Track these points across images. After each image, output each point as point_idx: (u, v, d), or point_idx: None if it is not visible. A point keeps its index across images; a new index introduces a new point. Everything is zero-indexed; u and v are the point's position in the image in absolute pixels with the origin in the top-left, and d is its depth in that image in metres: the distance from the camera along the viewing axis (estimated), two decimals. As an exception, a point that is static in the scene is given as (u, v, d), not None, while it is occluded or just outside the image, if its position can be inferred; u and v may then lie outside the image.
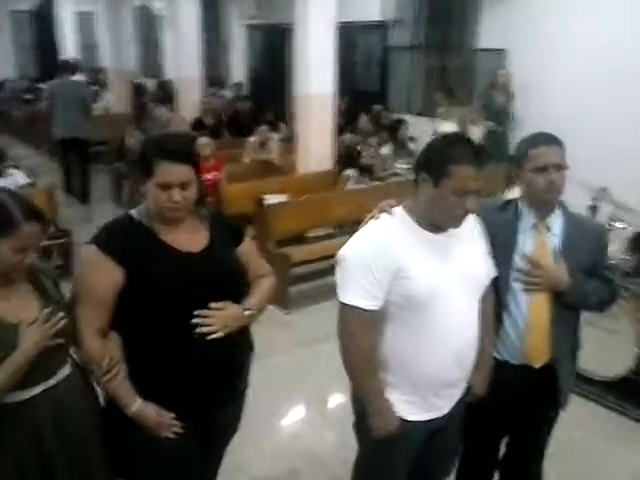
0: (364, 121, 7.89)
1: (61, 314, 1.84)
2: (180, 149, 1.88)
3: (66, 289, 2.00)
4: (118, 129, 8.54)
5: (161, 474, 2.00)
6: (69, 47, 14.20)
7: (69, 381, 1.93)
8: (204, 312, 1.87)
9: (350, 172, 6.26)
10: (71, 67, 8.00)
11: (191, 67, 9.59)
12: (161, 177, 1.81)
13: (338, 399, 3.68)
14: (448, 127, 6.50)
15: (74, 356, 2.01)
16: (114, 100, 11.18)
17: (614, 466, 3.21)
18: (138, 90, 11.93)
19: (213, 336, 1.88)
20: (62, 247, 5.44)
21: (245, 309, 1.99)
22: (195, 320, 1.86)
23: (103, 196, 8.12)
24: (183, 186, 1.83)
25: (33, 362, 1.77)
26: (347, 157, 6.52)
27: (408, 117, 7.99)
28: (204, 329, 1.87)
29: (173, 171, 1.81)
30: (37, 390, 1.84)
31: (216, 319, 1.88)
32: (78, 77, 10.00)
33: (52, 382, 1.88)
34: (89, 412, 2.01)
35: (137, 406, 1.87)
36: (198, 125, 8.67)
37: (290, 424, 3.66)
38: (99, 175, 8.67)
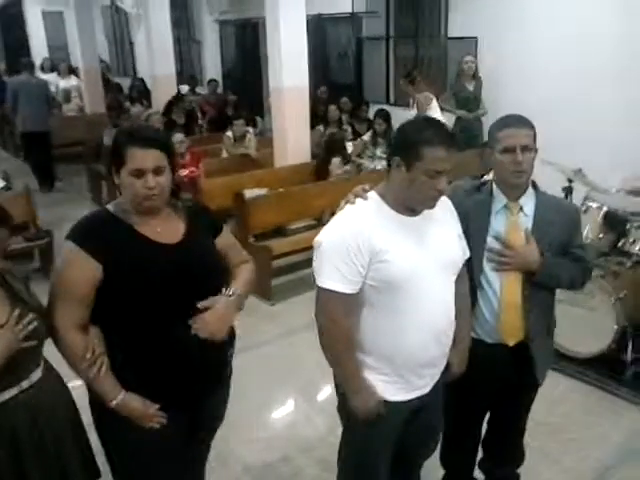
0: (333, 111, 7.91)
1: (31, 315, 1.83)
2: (150, 135, 1.89)
3: (45, 289, 2.00)
4: (94, 129, 8.49)
5: (148, 466, 2.01)
6: (39, 47, 14.04)
7: (43, 383, 1.92)
8: (198, 321, 1.91)
9: (337, 160, 6.29)
10: (30, 65, 8.75)
11: (164, 65, 9.52)
12: (133, 163, 1.81)
13: (325, 386, 3.73)
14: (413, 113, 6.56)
15: (46, 359, 2.00)
16: (88, 100, 11.08)
17: (595, 440, 3.28)
18: (113, 89, 11.82)
19: (217, 339, 1.94)
20: (43, 249, 5.42)
21: (230, 295, 2.02)
22: (193, 330, 1.90)
23: (82, 196, 8.08)
24: (156, 171, 1.83)
25: (4, 365, 1.75)
26: (331, 146, 6.51)
27: (385, 107, 8.02)
28: (204, 335, 1.91)
29: (145, 156, 1.82)
30: (10, 394, 1.83)
31: (211, 324, 1.93)
32: (48, 76, 9.99)
33: (25, 385, 1.87)
34: (64, 413, 2.01)
35: (121, 398, 1.88)
36: (170, 124, 8.66)
37: (279, 412, 3.71)
38: (77, 175, 8.63)
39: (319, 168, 6.36)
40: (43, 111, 8.34)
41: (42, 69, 11.97)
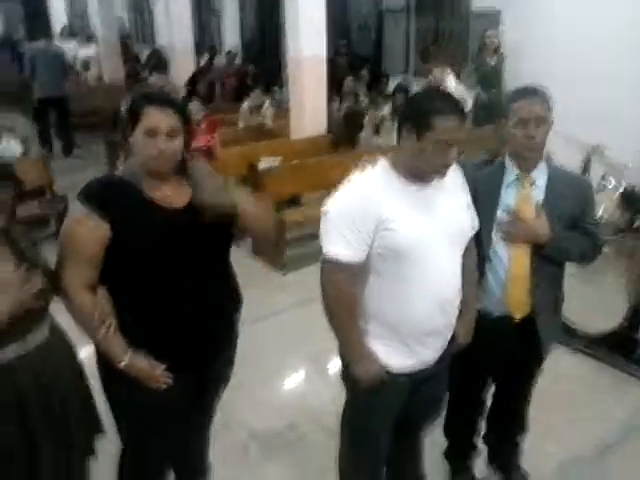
0: (349, 82, 7.81)
1: (39, 274, 1.86)
2: (167, 97, 1.90)
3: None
4: (112, 98, 8.50)
5: (154, 427, 2.05)
6: (59, 14, 14.02)
7: (49, 343, 1.96)
8: None
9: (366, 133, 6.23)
10: (47, 32, 9.36)
11: (183, 34, 9.50)
12: (147, 122, 1.82)
13: (335, 357, 3.73)
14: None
15: (53, 320, 2.04)
16: (107, 68, 11.08)
17: (599, 416, 3.29)
18: (131, 58, 11.81)
19: None
20: (59, 214, 5.47)
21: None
22: None
23: (99, 164, 8.12)
24: (170, 134, 1.84)
25: (10, 323, 1.79)
26: (350, 119, 6.44)
27: (404, 78, 7.94)
28: None
29: (160, 116, 1.82)
30: (15, 352, 1.86)
31: None
32: (68, 43, 10.06)
33: (31, 343, 1.90)
34: (70, 374, 2.05)
35: (129, 358, 1.91)
36: (191, 94, 8.64)
37: (289, 381, 3.75)
38: (95, 144, 8.67)
39: (339, 141, 6.28)
40: (59, 77, 8.57)
41: (61, 36, 11.96)
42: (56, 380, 1.98)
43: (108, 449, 2.26)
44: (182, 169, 2.00)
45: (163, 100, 1.86)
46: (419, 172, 1.94)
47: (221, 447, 2.75)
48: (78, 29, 13.11)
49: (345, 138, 6.24)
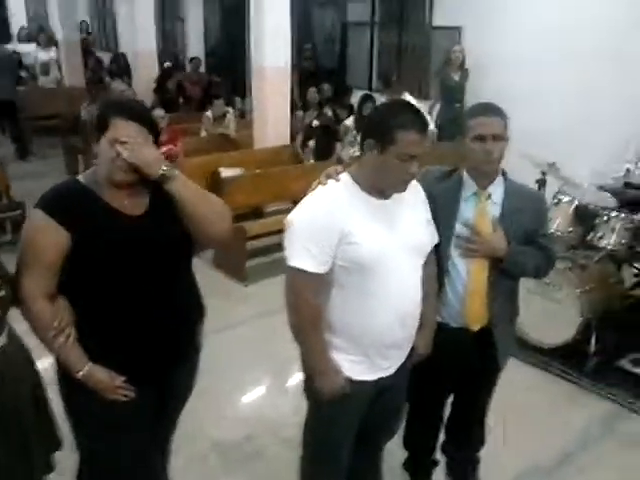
0: (312, 94, 7.86)
1: None
2: (137, 109, 1.90)
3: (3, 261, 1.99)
4: (72, 103, 8.38)
5: (113, 439, 2.01)
6: (18, 15, 13.74)
7: (6, 351, 1.91)
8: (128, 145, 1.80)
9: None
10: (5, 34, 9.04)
11: (147, 40, 9.41)
12: (114, 132, 1.81)
13: (296, 369, 3.73)
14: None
15: (11, 328, 1.99)
16: (67, 73, 10.90)
17: (558, 427, 3.37)
18: (93, 62, 11.64)
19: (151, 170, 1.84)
20: (15, 220, 5.35)
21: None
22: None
23: (58, 169, 7.98)
24: None
25: None
26: (327, 130, 6.43)
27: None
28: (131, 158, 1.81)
29: (126, 127, 1.82)
30: None
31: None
32: (26, 46, 9.90)
33: None
34: (27, 383, 2.00)
35: (87, 369, 1.88)
36: (159, 88, 8.65)
37: (249, 393, 3.73)
38: (53, 148, 8.52)
39: (317, 153, 6.27)
40: (9, 80, 8.52)
41: (18, 39, 11.70)
42: (12, 390, 1.93)
43: (67, 465, 2.21)
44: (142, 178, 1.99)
45: (132, 111, 1.86)
46: (381, 185, 1.97)
47: (181, 458, 2.72)
48: (37, 32, 12.84)
49: (324, 149, 6.24)
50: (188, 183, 1.95)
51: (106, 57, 12.50)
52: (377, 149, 1.89)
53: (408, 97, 6.70)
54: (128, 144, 1.81)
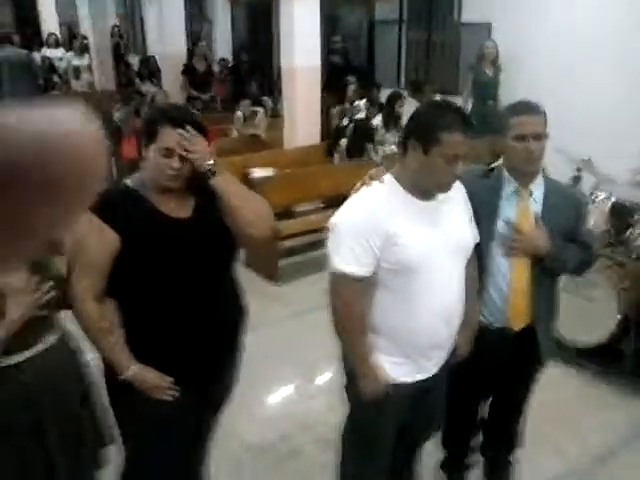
0: (351, 91, 7.82)
1: (50, 284, 1.87)
2: (186, 117, 1.91)
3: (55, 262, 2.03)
4: (104, 106, 8.50)
5: (158, 440, 2.03)
6: (50, 21, 13.98)
7: (56, 349, 1.96)
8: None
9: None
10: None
11: (176, 43, 9.50)
12: (164, 142, 1.84)
13: (328, 368, 3.77)
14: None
15: (64, 327, 2.04)
16: (98, 77, 11.07)
17: (595, 428, 3.32)
18: (124, 67, 11.79)
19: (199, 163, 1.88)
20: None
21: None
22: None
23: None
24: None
25: (19, 329, 1.79)
26: (361, 132, 6.39)
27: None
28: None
29: (176, 137, 1.84)
30: (21, 357, 1.87)
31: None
32: (55, 51, 10.04)
33: (39, 348, 1.90)
34: (76, 384, 2.04)
35: (135, 368, 1.91)
36: (189, 70, 8.80)
37: (281, 393, 3.75)
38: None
39: (350, 151, 6.24)
40: (27, 84, 8.48)
41: (47, 44, 11.87)
42: (64, 388, 1.97)
43: (113, 461, 2.25)
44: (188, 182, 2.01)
45: (180, 119, 1.87)
46: (425, 186, 1.96)
47: (214, 460, 2.74)
48: (69, 38, 13.05)
49: (355, 149, 6.21)
50: (233, 179, 1.99)
51: (134, 60, 12.65)
52: (421, 150, 1.89)
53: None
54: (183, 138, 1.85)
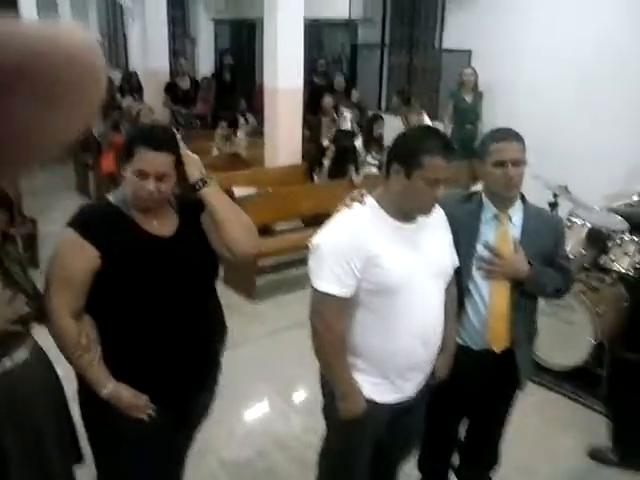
0: (328, 98, 7.80)
1: (22, 299, 1.84)
2: (163, 139, 1.90)
3: (32, 277, 2.01)
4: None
5: (132, 456, 2.01)
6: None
7: (28, 366, 1.93)
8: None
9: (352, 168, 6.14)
10: None
11: (158, 60, 9.52)
12: (139, 163, 1.84)
13: (306, 387, 3.76)
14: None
15: (36, 343, 2.01)
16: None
17: (570, 450, 3.35)
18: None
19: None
20: (27, 235, 5.38)
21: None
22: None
23: (68, 186, 8.04)
24: (160, 178, 1.85)
25: None
26: (344, 154, 6.38)
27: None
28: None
29: (152, 159, 1.83)
30: None
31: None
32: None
33: (7, 364, 1.87)
34: (48, 398, 2.01)
35: (112, 387, 1.89)
36: (172, 88, 8.80)
37: (259, 410, 3.73)
38: (64, 165, 8.57)
39: (331, 173, 6.26)
40: None
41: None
42: (31, 404, 1.93)
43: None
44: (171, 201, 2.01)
45: (158, 142, 1.86)
46: (406, 209, 1.98)
47: (190, 477, 2.70)
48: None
49: (337, 170, 6.21)
50: (221, 192, 2.00)
51: (115, 75, 12.62)
52: (403, 173, 1.91)
53: (425, 116, 6.78)
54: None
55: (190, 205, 2.09)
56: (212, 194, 1.95)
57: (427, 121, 6.75)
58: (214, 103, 9.52)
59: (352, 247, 1.90)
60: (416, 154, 1.88)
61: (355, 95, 8.36)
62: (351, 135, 6.82)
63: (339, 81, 8.13)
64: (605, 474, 3.18)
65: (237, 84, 9.92)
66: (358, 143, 6.83)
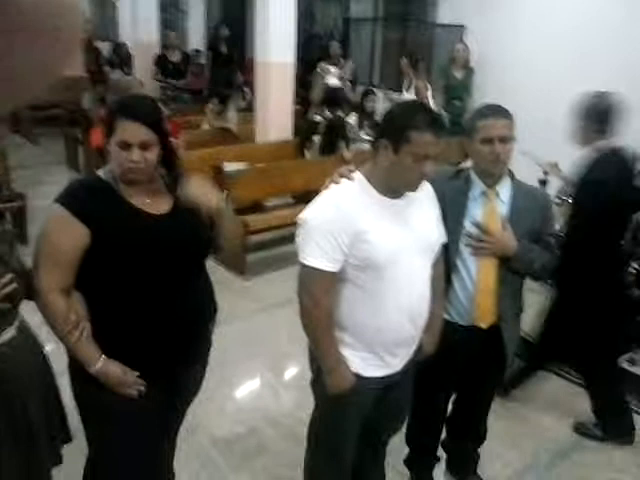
0: (322, 65, 7.79)
1: (9, 277, 1.82)
2: (143, 110, 1.88)
3: (20, 253, 1.99)
4: (72, 92, 8.34)
5: (123, 433, 2.02)
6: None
7: (15, 344, 1.91)
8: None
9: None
10: None
11: (148, 31, 9.38)
12: (120, 135, 1.83)
13: (296, 363, 3.78)
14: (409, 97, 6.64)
15: (23, 320, 2.00)
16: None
17: (556, 423, 3.41)
18: (93, 53, 11.57)
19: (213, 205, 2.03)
20: (16, 210, 5.34)
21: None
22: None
23: (58, 160, 7.97)
24: (143, 147, 1.84)
25: None
26: (334, 130, 6.33)
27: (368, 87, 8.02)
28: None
29: (132, 129, 1.82)
30: None
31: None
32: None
33: None
34: (35, 377, 2.00)
35: (101, 364, 1.88)
36: (162, 61, 8.70)
37: (249, 386, 3.76)
38: (53, 139, 8.49)
39: (322, 149, 6.22)
40: None
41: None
42: (19, 381, 1.93)
43: (77, 459, 2.21)
44: (161, 174, 2.00)
45: (137, 113, 1.85)
46: (394, 185, 1.98)
47: (182, 453, 2.73)
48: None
49: (328, 145, 6.17)
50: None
51: (105, 47, 12.42)
52: (391, 149, 1.91)
53: (430, 91, 6.76)
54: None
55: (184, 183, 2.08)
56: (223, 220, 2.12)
57: (430, 97, 6.72)
58: (210, 76, 9.40)
59: (340, 222, 1.91)
60: (404, 129, 1.87)
61: (350, 66, 8.25)
62: (339, 100, 6.69)
63: (334, 48, 8.03)
64: (590, 447, 3.24)
65: (234, 56, 9.76)
66: (352, 119, 6.79)
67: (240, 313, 4.46)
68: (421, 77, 6.84)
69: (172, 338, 1.96)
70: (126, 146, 1.83)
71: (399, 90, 7.38)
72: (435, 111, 2.00)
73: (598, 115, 2.95)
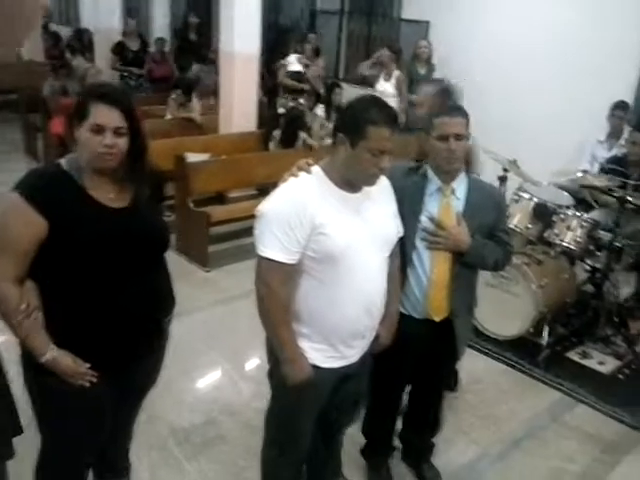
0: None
1: None
2: (117, 95, 1.87)
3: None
4: (31, 78, 8.16)
5: (76, 424, 2.01)
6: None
7: None
8: None
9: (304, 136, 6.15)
10: None
11: (110, 18, 9.20)
12: (95, 118, 1.80)
13: (255, 354, 3.80)
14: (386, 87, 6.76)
15: None
16: (27, 48, 10.59)
17: (509, 415, 3.50)
18: (53, 38, 11.31)
19: None
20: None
21: None
22: None
23: (15, 147, 7.78)
24: (117, 132, 1.82)
25: None
26: (293, 121, 6.36)
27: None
28: None
29: (107, 113, 1.80)
30: None
31: None
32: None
33: None
34: None
35: (52, 353, 1.86)
36: (120, 49, 8.56)
37: (209, 378, 3.75)
38: (10, 125, 8.29)
39: (282, 142, 6.22)
40: None
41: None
42: None
43: (28, 452, 2.18)
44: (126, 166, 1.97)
45: (114, 98, 1.83)
46: (351, 179, 2.01)
47: (140, 444, 2.72)
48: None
49: (288, 138, 6.18)
50: None
51: (65, 32, 12.14)
52: (349, 143, 1.93)
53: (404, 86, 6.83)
54: None
55: (147, 177, 2.05)
56: None
57: (404, 91, 6.82)
58: (175, 65, 9.27)
59: (297, 215, 1.92)
60: (361, 124, 1.90)
61: (320, 63, 8.26)
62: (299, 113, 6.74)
63: (312, 41, 8.05)
64: (541, 437, 3.34)
65: (203, 44, 9.65)
66: (320, 111, 6.80)
67: (200, 304, 4.45)
68: (401, 69, 6.90)
69: (125, 331, 1.95)
70: (100, 130, 1.80)
71: (364, 84, 7.41)
72: (390, 105, 2.02)
73: None
